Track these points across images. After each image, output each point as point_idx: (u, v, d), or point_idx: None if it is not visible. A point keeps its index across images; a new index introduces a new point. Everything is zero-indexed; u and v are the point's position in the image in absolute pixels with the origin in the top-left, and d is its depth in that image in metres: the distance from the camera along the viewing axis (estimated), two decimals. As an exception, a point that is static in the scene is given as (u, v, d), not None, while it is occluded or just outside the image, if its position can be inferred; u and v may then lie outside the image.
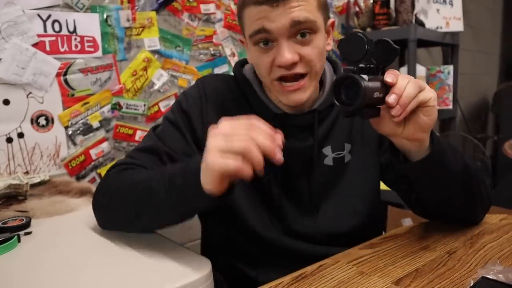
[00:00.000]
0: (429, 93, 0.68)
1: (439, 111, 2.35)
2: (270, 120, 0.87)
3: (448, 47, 2.65)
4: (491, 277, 0.58)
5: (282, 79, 0.84)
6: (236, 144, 0.60)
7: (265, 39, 0.82)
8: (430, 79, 2.39)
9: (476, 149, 2.78)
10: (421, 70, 2.31)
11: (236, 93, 0.95)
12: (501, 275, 0.60)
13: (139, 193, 0.75)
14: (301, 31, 0.80)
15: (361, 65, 0.60)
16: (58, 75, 1.36)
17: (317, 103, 0.92)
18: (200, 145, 0.90)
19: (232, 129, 0.62)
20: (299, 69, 0.82)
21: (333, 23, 0.90)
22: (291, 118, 0.90)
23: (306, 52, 0.82)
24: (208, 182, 0.64)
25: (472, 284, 0.55)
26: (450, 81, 2.38)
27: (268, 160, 0.89)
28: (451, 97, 2.37)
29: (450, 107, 2.37)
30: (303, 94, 0.85)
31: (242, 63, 1.01)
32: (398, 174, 0.94)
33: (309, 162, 0.92)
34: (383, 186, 1.01)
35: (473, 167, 0.84)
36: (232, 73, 1.00)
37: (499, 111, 3.47)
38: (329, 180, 0.93)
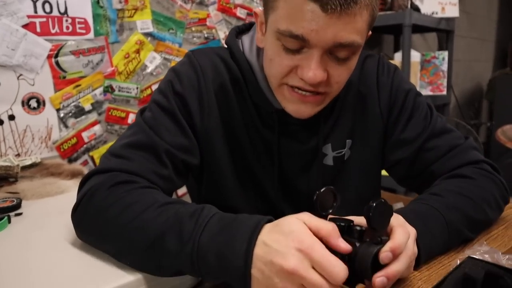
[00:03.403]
0: (411, 269, 0.60)
1: (434, 96, 2.35)
2: (269, 115, 0.81)
3: (443, 33, 2.64)
4: (477, 257, 0.59)
5: (295, 87, 0.72)
6: None
7: (298, 47, 0.68)
8: (424, 64, 2.39)
9: (470, 135, 2.80)
10: (415, 55, 2.30)
11: (235, 74, 0.81)
12: (487, 255, 0.61)
13: (145, 244, 0.58)
14: (341, 52, 0.68)
15: (357, 227, 0.57)
16: (49, 57, 1.35)
17: None
18: (197, 135, 0.79)
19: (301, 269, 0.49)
20: (321, 89, 0.71)
21: (370, 35, 0.75)
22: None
23: (337, 73, 0.70)
24: None
25: (458, 264, 0.56)
26: (445, 67, 2.37)
27: (264, 161, 0.85)
28: (445, 83, 2.37)
29: (444, 93, 2.37)
30: (314, 108, 0.75)
31: (237, 32, 0.86)
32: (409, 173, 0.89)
33: (308, 162, 0.86)
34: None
35: (478, 221, 0.75)
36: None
37: (493, 98, 3.49)
38: (329, 180, 0.87)
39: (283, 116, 0.80)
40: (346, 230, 0.55)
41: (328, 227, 0.51)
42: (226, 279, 0.55)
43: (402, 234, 0.54)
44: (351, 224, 0.56)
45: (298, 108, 0.75)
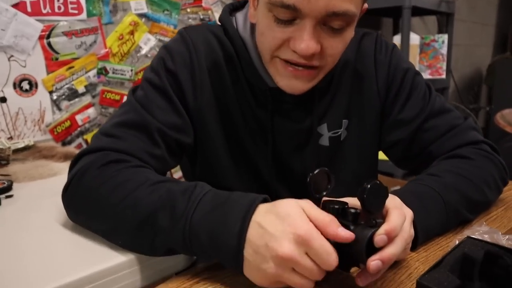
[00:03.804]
0: (408, 251, 0.60)
1: (433, 80, 2.33)
2: (262, 93, 0.79)
3: (443, 16, 2.61)
4: (476, 237, 0.58)
5: (288, 61, 0.69)
6: (296, 281, 0.50)
7: (290, 18, 0.65)
8: (424, 48, 2.36)
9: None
10: (415, 38, 2.27)
11: (228, 51, 0.79)
12: (486, 236, 0.59)
13: (137, 221, 0.56)
14: (335, 22, 0.65)
15: (352, 210, 0.53)
16: (41, 38, 1.32)
17: None
18: (190, 114, 0.77)
19: (292, 256, 0.48)
20: (314, 62, 0.68)
21: (366, 9, 0.73)
22: (286, 93, 0.75)
23: (331, 45, 0.67)
24: (257, 282, 0.52)
25: (457, 243, 0.54)
26: (444, 50, 2.35)
27: (257, 140, 0.85)
28: (444, 67, 2.35)
29: (443, 76, 2.35)
30: (308, 83, 0.72)
31: (231, 9, 0.83)
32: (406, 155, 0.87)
33: (303, 142, 0.83)
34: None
35: (476, 202, 0.74)
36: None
37: (492, 83, 3.46)
38: (324, 161, 0.85)
39: (277, 95, 0.78)
40: (341, 213, 0.54)
41: (326, 219, 0.49)
42: (218, 258, 0.53)
43: (398, 216, 0.52)
44: (346, 206, 0.54)
45: (290, 83, 0.72)
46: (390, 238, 0.50)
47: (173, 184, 0.59)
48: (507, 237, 0.60)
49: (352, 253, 0.51)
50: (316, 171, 0.55)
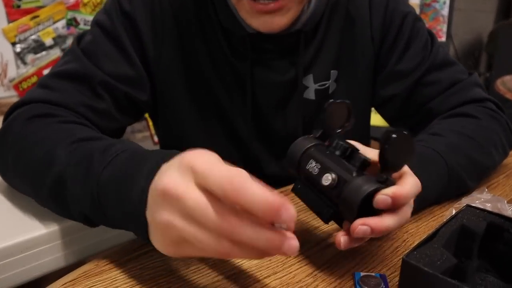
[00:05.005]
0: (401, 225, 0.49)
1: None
2: (240, 41, 0.69)
3: (445, -25, 2.47)
4: (477, 206, 0.49)
5: None
6: (199, 246, 0.34)
7: None
8: (424, 9, 2.24)
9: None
10: (415, -3, 2.15)
11: None
12: (488, 204, 0.51)
13: (49, 184, 0.48)
14: None
15: (363, 156, 0.43)
16: (-1, -19, 1.19)
17: (300, 21, 0.68)
18: (149, 65, 0.69)
19: (196, 209, 0.33)
20: None
21: None
22: (268, 40, 0.68)
23: None
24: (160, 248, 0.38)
25: (454, 213, 0.45)
26: (446, 11, 2.23)
27: (235, 97, 0.75)
28: (444, 29, 2.24)
29: (443, 39, 2.24)
30: (283, 17, 0.63)
31: None
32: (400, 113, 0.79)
33: (286, 96, 0.74)
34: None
35: (483, 166, 0.66)
36: None
37: (493, 50, 3.35)
38: (309, 117, 0.76)
39: (257, 42, 0.68)
40: (348, 155, 0.44)
41: (234, 174, 0.33)
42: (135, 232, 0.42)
43: (414, 184, 0.42)
44: (358, 150, 0.44)
45: (264, 20, 0.62)
46: (395, 205, 0.40)
47: (97, 142, 0.49)
48: (513, 206, 0.51)
49: (342, 205, 0.41)
50: (337, 100, 0.45)
